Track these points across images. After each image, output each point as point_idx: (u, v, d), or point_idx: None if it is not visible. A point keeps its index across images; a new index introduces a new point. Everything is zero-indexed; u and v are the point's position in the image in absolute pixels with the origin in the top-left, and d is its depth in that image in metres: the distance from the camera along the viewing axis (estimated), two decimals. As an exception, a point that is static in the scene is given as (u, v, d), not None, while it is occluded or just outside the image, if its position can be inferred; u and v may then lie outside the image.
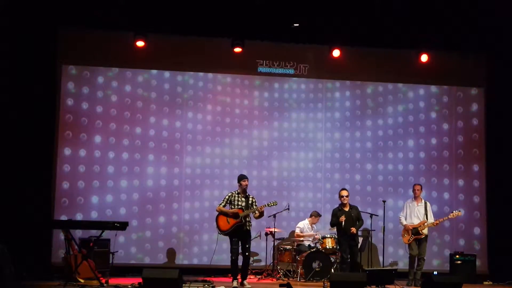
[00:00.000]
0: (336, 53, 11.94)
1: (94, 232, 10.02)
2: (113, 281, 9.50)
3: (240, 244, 9.32)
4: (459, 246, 12.06)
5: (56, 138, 11.26)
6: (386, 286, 9.39)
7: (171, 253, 11.57)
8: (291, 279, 10.52)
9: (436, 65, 12.22)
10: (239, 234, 9.30)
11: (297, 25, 11.55)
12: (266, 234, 11.06)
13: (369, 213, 10.95)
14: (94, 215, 11.28)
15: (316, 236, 11.09)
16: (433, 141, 12.41)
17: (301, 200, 12.02)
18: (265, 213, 9.66)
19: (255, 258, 11.51)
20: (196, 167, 11.79)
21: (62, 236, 10.13)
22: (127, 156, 11.57)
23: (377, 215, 11.06)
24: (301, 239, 11.12)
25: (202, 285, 8.84)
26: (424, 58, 12.12)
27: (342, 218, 9.99)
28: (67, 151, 11.34)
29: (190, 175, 11.76)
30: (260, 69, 12.16)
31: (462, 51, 12.33)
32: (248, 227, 9.39)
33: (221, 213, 9.40)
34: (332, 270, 10.45)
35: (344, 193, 10.21)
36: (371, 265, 11.26)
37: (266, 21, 11.29)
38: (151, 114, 11.74)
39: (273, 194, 11.76)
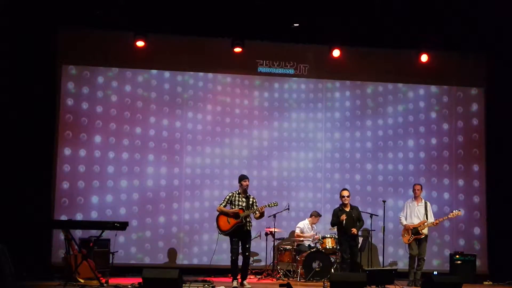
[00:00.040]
0: (336, 53, 11.93)
1: (94, 232, 10.02)
2: (113, 281, 9.50)
3: (240, 244, 9.31)
4: (459, 246, 12.06)
5: (56, 138, 11.27)
6: (386, 286, 9.39)
7: (171, 253, 11.57)
8: (291, 279, 10.51)
9: (436, 65, 12.22)
10: (239, 234, 9.29)
11: (297, 25, 11.55)
12: (266, 234, 11.06)
13: (369, 213, 10.94)
14: (94, 215, 11.28)
15: (316, 236, 11.09)
16: (433, 141, 12.41)
17: (301, 200, 12.01)
18: (265, 213, 9.64)
19: (255, 258, 11.51)
20: (196, 167, 11.79)
21: (62, 236, 10.12)
22: (127, 156, 11.57)
23: (377, 215, 11.06)
24: (301, 239, 11.11)
25: (202, 285, 8.83)
26: (424, 58, 12.11)
27: (343, 217, 10.00)
28: (67, 151, 11.34)
29: (190, 175, 11.76)
30: (260, 69, 12.16)
31: (462, 51, 12.32)
32: (248, 227, 9.37)
33: (221, 213, 9.39)
34: (332, 270, 10.45)
35: (345, 193, 10.22)
36: (371, 265, 11.26)
37: (266, 21, 11.28)
38: (151, 114, 11.74)
39: (273, 194, 11.76)
